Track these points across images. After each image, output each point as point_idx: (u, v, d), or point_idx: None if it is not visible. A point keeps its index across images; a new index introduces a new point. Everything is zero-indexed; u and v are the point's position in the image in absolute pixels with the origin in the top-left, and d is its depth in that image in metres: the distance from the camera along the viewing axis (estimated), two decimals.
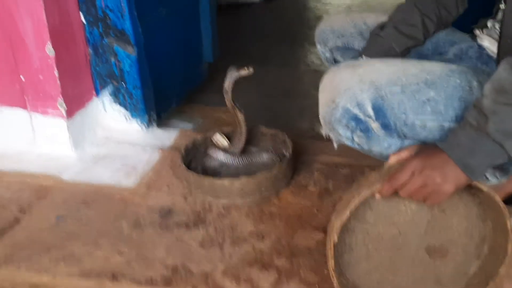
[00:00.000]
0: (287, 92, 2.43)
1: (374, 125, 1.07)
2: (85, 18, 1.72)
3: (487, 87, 0.96)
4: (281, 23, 3.48)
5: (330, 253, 1.04)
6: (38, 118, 1.71)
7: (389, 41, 1.28)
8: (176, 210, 1.50)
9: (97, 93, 1.83)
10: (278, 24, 3.46)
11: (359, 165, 1.64)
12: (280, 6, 3.87)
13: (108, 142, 1.81)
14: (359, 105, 1.05)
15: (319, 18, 3.32)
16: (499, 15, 1.16)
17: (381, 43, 1.29)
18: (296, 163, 1.66)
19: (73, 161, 1.71)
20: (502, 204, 1.01)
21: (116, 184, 1.62)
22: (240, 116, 1.58)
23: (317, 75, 1.18)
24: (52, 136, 1.72)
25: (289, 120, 2.13)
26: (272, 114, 2.14)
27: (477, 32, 1.30)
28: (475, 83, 1.07)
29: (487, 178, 1.24)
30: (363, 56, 1.29)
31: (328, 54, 1.44)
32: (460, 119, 1.04)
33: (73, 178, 1.64)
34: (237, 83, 1.56)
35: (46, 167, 1.68)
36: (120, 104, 1.84)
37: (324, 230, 1.36)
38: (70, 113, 1.70)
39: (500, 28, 1.13)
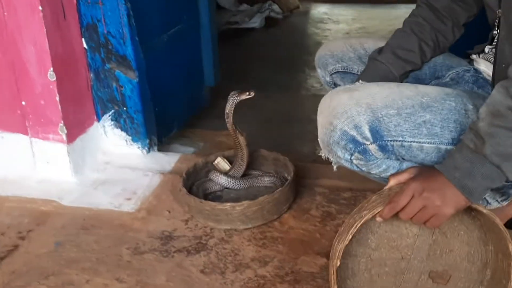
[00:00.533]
0: (288, 116, 2.44)
1: (372, 147, 1.07)
2: (87, 44, 1.74)
3: (483, 110, 0.97)
4: (281, 48, 3.52)
5: (332, 278, 1.02)
6: (38, 143, 1.71)
7: (387, 65, 1.30)
8: (177, 235, 1.49)
9: (98, 118, 1.84)
10: (279, 49, 3.50)
11: (361, 189, 1.63)
12: (280, 32, 3.92)
13: (108, 167, 1.81)
14: (356, 127, 1.06)
15: (318, 44, 3.35)
16: (494, 41, 1.18)
17: (379, 68, 1.31)
18: (298, 186, 1.64)
19: (73, 186, 1.70)
20: (502, 227, 1.00)
21: (116, 209, 1.60)
22: (242, 140, 1.58)
23: (317, 99, 1.18)
24: (52, 161, 1.72)
25: (290, 144, 2.13)
26: (273, 138, 2.14)
27: (474, 56, 1.32)
28: (470, 106, 1.08)
29: (488, 202, 1.23)
30: (360, 80, 1.31)
31: (328, 78, 1.45)
32: (456, 142, 1.05)
33: (73, 204, 1.63)
34: (238, 108, 1.56)
35: (46, 192, 1.67)
36: (121, 128, 1.85)
37: (327, 255, 1.34)
38: (70, 138, 1.70)
39: (495, 53, 1.14)
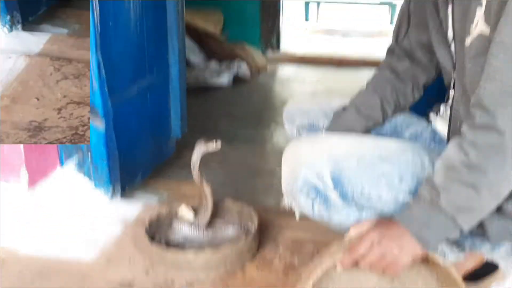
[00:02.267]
0: (253, 170, 2.46)
1: (333, 195, 1.11)
2: None
3: (438, 163, 1.02)
4: (248, 105, 3.61)
5: None
6: None
7: (351, 121, 1.36)
8: (137, 284, 1.45)
9: (62, 163, 1.82)
10: (246, 106, 3.58)
11: (324, 241, 1.64)
12: (248, 90, 4.02)
13: (69, 213, 1.77)
14: (318, 176, 1.09)
15: (284, 102, 3.45)
16: (450, 101, 1.26)
17: (343, 123, 1.37)
18: (261, 237, 1.65)
19: (32, 232, 1.65)
20: (459, 278, 1.03)
21: (75, 257, 1.55)
22: (207, 189, 1.59)
23: (282, 154, 1.22)
24: (12, 205, 1.67)
25: (254, 196, 2.13)
26: (238, 191, 2.15)
27: (432, 116, 1.40)
28: (426, 160, 1.13)
29: (445, 254, 1.26)
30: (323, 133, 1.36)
31: (295, 132, 1.50)
32: (413, 193, 1.09)
33: (30, 250, 1.57)
34: (204, 160, 1.57)
35: (3, 237, 1.61)
36: (84, 174, 1.83)
37: None
38: (32, 182, 1.67)
39: (450, 112, 1.22)
